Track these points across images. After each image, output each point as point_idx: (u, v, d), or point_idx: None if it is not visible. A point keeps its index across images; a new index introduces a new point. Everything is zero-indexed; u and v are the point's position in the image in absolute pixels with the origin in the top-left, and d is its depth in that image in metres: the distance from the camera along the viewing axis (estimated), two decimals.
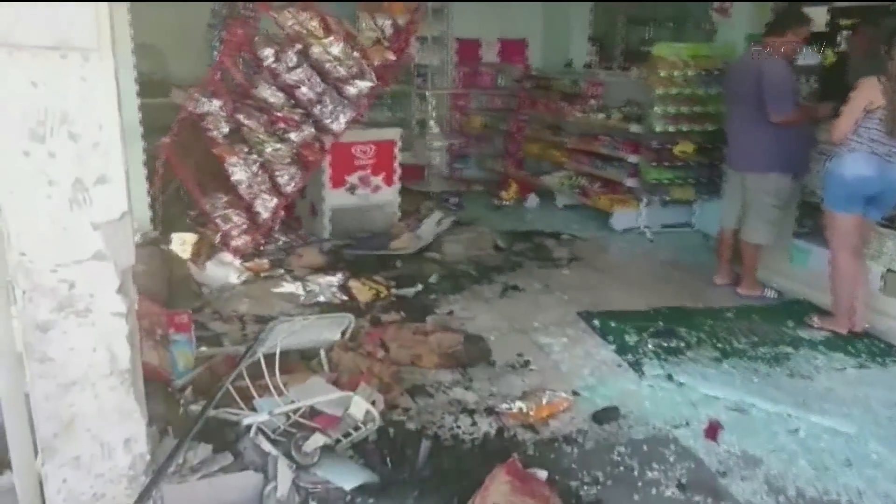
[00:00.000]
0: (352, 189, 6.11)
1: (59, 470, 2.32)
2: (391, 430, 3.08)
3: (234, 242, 5.35)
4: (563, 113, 7.63)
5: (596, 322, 4.51)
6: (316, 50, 5.24)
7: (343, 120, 5.43)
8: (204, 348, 3.66)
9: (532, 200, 7.84)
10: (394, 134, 6.30)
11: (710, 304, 4.91)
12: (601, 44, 9.03)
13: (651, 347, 4.16)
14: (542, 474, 2.78)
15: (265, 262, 5.31)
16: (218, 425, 2.83)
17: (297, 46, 5.22)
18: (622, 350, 4.12)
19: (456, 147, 8.96)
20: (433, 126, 8.36)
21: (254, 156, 5.31)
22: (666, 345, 4.21)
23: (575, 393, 3.60)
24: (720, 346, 4.23)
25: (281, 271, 5.22)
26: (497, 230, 6.52)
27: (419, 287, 5.02)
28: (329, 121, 5.38)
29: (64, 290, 2.15)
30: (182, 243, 5.20)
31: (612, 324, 4.48)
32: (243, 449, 2.72)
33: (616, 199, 6.91)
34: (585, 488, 2.82)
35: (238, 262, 5.13)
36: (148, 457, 2.41)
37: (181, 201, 5.81)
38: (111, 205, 2.14)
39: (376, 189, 6.22)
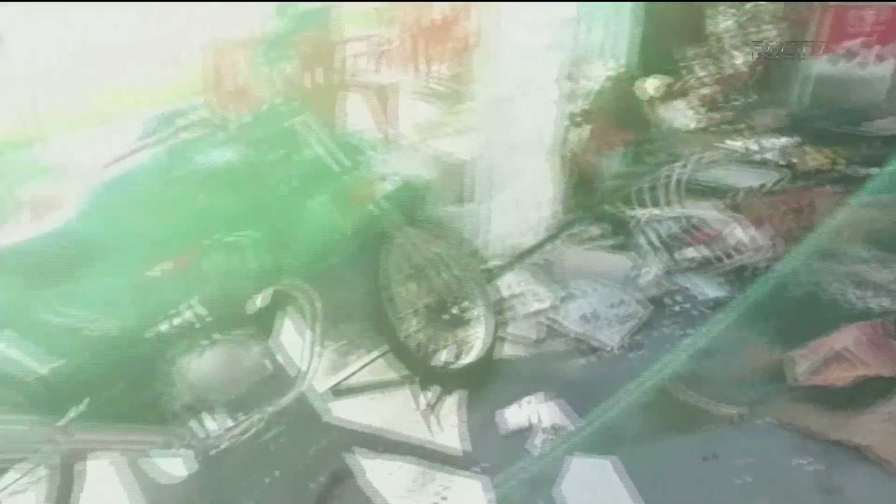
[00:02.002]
0: (843, 58, 5.67)
1: (498, 208, 3.18)
2: (771, 275, 3.24)
3: (702, 91, 5.61)
4: None
5: None
6: None
7: None
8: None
9: None
10: None
11: None
12: None
13: None
14: None
15: (721, 115, 5.48)
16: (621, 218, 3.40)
17: None
18: None
19: None
20: None
21: (732, 10, 5.36)
22: None
23: None
24: None
25: (736, 126, 5.34)
26: None
27: (877, 170, 4.63)
28: None
29: (522, 72, 2.87)
30: (653, 85, 5.69)
31: None
32: (634, 240, 3.25)
33: None
34: None
35: (696, 110, 5.42)
36: (552, 218, 3.12)
37: (665, 46, 6.20)
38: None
39: (873, 61, 5.64)
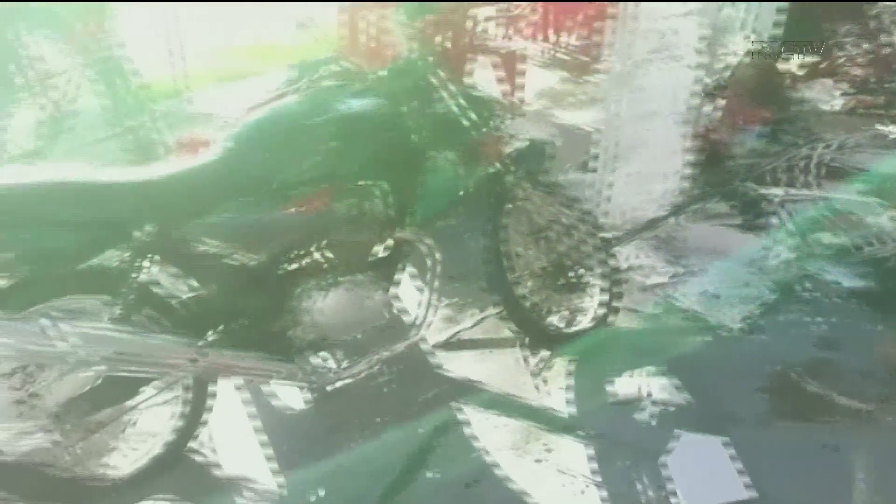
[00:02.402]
0: None
1: (622, 178, 3.12)
2: None
3: (851, 71, 5.21)
4: None
5: None
6: None
7: None
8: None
9: None
10: None
11: None
12: None
13: None
14: None
15: (873, 97, 5.06)
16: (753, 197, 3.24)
17: None
18: None
19: None
20: None
21: None
22: None
23: None
24: None
25: (889, 111, 4.93)
26: None
27: None
28: None
29: (660, 37, 2.78)
30: (798, 62, 5.33)
31: None
32: (765, 220, 3.10)
33: None
34: None
35: (844, 90, 5.04)
36: (678, 191, 3.02)
37: (815, 21, 5.78)
38: None
39: None
